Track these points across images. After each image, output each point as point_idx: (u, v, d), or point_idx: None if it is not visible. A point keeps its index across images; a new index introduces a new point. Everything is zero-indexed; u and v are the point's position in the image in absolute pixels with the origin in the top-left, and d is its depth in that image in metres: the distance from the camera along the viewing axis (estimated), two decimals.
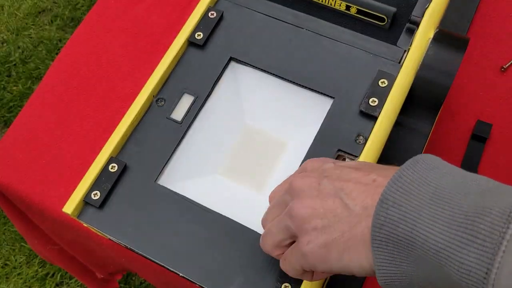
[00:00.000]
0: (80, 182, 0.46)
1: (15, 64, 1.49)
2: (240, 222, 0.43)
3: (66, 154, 0.60)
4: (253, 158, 0.48)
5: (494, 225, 0.26)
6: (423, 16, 0.49)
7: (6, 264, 1.24)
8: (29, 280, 1.22)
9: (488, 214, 0.26)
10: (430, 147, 0.57)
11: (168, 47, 0.51)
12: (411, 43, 0.48)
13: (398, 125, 0.48)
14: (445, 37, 0.48)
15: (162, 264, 0.42)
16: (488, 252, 0.26)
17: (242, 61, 0.50)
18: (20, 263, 1.24)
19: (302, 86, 0.49)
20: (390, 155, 0.47)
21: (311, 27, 0.51)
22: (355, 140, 0.45)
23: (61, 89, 0.64)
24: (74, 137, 0.61)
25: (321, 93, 0.48)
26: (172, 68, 0.50)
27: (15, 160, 0.60)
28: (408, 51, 0.48)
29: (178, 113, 0.48)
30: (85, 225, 0.45)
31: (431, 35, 0.48)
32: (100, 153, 0.46)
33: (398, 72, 0.47)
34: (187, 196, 0.45)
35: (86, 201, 0.45)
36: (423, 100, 0.48)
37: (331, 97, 0.48)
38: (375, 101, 0.46)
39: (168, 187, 0.45)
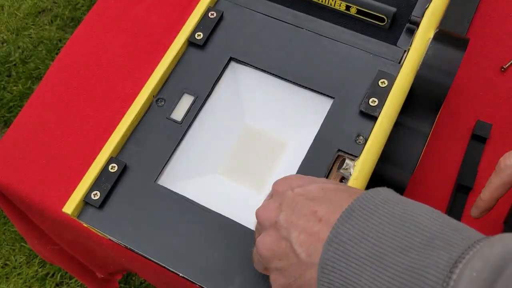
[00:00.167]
0: (80, 182, 0.46)
1: (15, 64, 1.49)
2: (240, 222, 0.43)
3: (66, 154, 0.60)
4: (253, 158, 0.48)
5: None
6: (423, 16, 0.49)
7: (6, 264, 1.24)
8: (29, 280, 1.22)
9: (423, 284, 0.26)
10: (430, 147, 0.57)
11: (168, 47, 0.51)
12: (411, 43, 0.48)
13: (398, 125, 0.48)
14: (445, 37, 0.48)
15: (162, 264, 0.42)
16: None
17: (242, 61, 0.50)
18: (20, 263, 1.24)
19: (302, 86, 0.49)
20: (390, 155, 0.47)
21: (311, 27, 0.51)
22: (355, 140, 0.45)
23: (61, 89, 0.64)
24: (74, 137, 0.61)
25: (321, 93, 0.48)
26: (172, 68, 0.50)
27: (15, 160, 0.60)
28: (408, 51, 0.48)
29: (178, 113, 0.48)
30: (85, 225, 0.45)
31: (431, 35, 0.48)
32: (100, 153, 0.46)
33: (398, 72, 0.47)
34: (187, 196, 0.45)
35: (86, 201, 0.45)
36: (423, 100, 0.48)
37: (331, 97, 0.48)
38: (375, 101, 0.46)
39: (168, 187, 0.45)
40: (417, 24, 0.49)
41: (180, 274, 0.42)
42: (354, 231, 0.30)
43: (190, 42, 0.51)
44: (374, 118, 0.45)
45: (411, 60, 0.47)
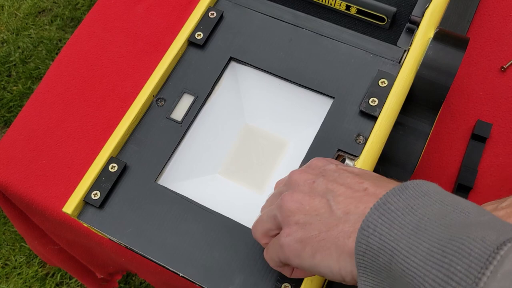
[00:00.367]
0: (80, 182, 0.46)
1: (15, 64, 1.49)
2: (240, 222, 0.43)
3: (66, 154, 0.60)
4: (253, 158, 0.48)
5: (470, 268, 0.25)
6: (423, 16, 0.49)
7: (6, 264, 1.24)
8: (29, 280, 1.22)
9: (466, 255, 0.26)
10: (430, 147, 0.57)
11: (168, 47, 0.51)
12: (411, 43, 0.48)
13: (398, 125, 0.48)
14: (445, 37, 0.48)
15: (162, 264, 0.42)
16: None
17: (242, 61, 0.50)
18: (20, 263, 1.24)
19: (302, 86, 0.49)
20: (390, 155, 0.47)
21: (311, 27, 0.51)
22: (355, 140, 0.45)
23: (61, 89, 0.64)
24: (74, 137, 0.61)
25: (321, 93, 0.48)
26: (172, 68, 0.50)
27: (15, 160, 0.60)
28: (408, 51, 0.48)
29: (178, 113, 0.48)
30: (85, 225, 0.45)
31: (431, 35, 0.48)
32: (100, 153, 0.46)
33: (398, 72, 0.47)
34: (187, 196, 0.45)
35: (86, 201, 0.45)
36: (423, 100, 0.48)
37: (331, 97, 0.48)
38: (375, 101, 0.46)
39: (168, 187, 0.45)
40: (417, 24, 0.49)
41: (180, 274, 0.42)
42: (404, 203, 0.30)
43: (190, 42, 0.51)
44: (374, 118, 0.45)
45: (411, 60, 0.47)
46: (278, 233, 0.36)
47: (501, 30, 0.63)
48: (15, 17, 1.57)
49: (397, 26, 0.52)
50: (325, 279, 0.43)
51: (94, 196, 0.45)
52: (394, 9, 0.51)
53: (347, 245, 0.31)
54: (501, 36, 0.63)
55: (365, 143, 0.45)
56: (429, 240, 0.28)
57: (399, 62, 0.48)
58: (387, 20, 0.51)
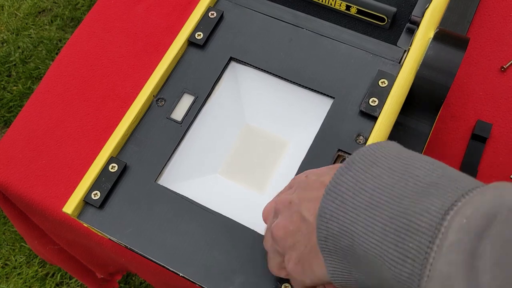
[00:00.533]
0: (80, 182, 0.46)
1: (15, 64, 1.49)
2: (240, 222, 0.43)
3: (66, 154, 0.60)
4: (253, 158, 0.48)
5: (421, 244, 0.26)
6: (423, 16, 0.49)
7: (6, 264, 1.24)
8: (29, 280, 1.22)
9: (415, 231, 0.26)
10: (430, 147, 0.57)
11: (168, 47, 0.51)
12: (411, 43, 0.48)
13: (398, 125, 0.48)
14: (445, 37, 0.48)
15: (162, 264, 0.42)
16: (417, 273, 0.26)
17: (242, 61, 0.50)
18: (20, 263, 1.24)
19: (302, 86, 0.49)
20: None
21: (311, 27, 0.51)
22: (355, 140, 0.45)
23: (61, 89, 0.64)
24: (74, 137, 0.61)
25: (321, 93, 0.48)
26: (172, 68, 0.50)
27: (15, 160, 0.60)
28: (408, 51, 0.48)
29: (178, 113, 0.48)
30: (85, 225, 0.45)
31: (431, 35, 0.48)
32: (100, 153, 0.46)
33: (398, 72, 0.47)
34: (187, 196, 0.45)
35: (86, 201, 0.45)
36: (423, 100, 0.48)
37: (331, 97, 0.48)
38: (375, 101, 0.46)
39: (168, 187, 0.45)
40: (417, 24, 0.49)
41: (180, 274, 0.42)
42: (353, 181, 0.30)
43: (190, 42, 0.51)
44: (374, 118, 0.45)
45: (411, 60, 0.47)
46: None
47: (501, 30, 0.63)
48: (15, 17, 1.57)
49: (397, 26, 0.52)
50: None
51: (94, 196, 0.45)
52: (394, 9, 0.51)
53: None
54: (501, 36, 0.63)
55: (365, 143, 0.45)
56: (382, 219, 0.28)
57: (399, 62, 0.48)
58: (387, 20, 0.51)
